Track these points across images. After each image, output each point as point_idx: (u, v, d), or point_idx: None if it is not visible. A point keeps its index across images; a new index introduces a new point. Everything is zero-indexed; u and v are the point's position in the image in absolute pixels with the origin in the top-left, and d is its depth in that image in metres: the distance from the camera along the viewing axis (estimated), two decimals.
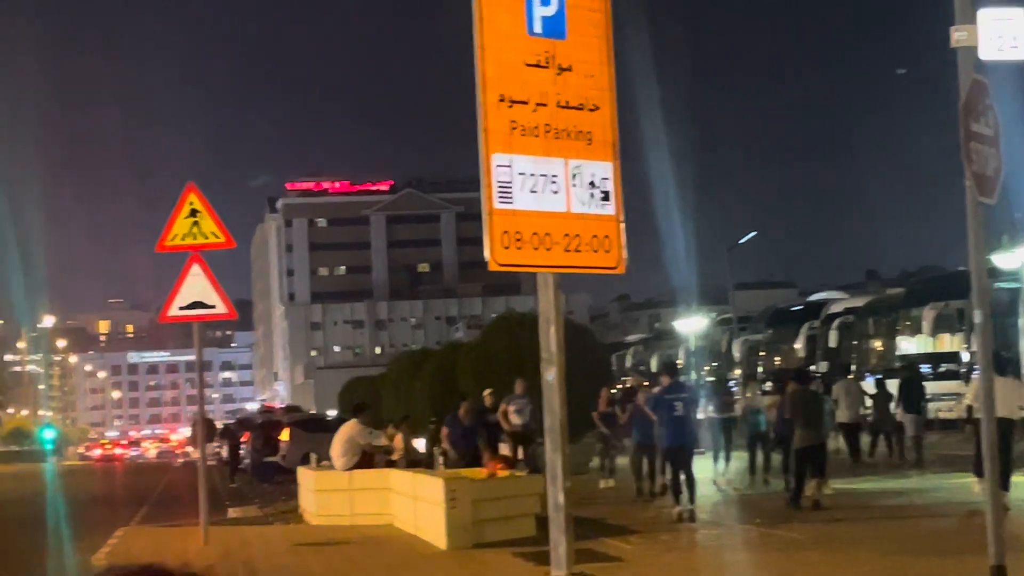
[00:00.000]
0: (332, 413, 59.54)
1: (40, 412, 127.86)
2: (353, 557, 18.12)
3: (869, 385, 35.15)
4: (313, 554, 18.50)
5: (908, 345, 43.20)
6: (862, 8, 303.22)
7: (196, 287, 19.42)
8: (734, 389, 34.42)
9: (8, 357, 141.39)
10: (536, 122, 13.43)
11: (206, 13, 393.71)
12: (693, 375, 60.41)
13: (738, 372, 56.11)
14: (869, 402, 32.54)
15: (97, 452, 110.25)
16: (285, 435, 42.17)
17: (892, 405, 31.72)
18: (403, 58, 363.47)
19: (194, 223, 19.20)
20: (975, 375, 21.98)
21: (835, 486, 23.30)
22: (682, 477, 20.33)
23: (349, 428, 23.43)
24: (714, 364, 62.53)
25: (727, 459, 28.76)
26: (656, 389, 21.90)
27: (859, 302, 51.38)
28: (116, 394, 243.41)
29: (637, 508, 23.11)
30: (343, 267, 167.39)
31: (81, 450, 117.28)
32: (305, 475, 25.48)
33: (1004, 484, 17.66)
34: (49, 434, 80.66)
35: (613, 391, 34.10)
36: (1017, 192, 24.26)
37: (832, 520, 19.72)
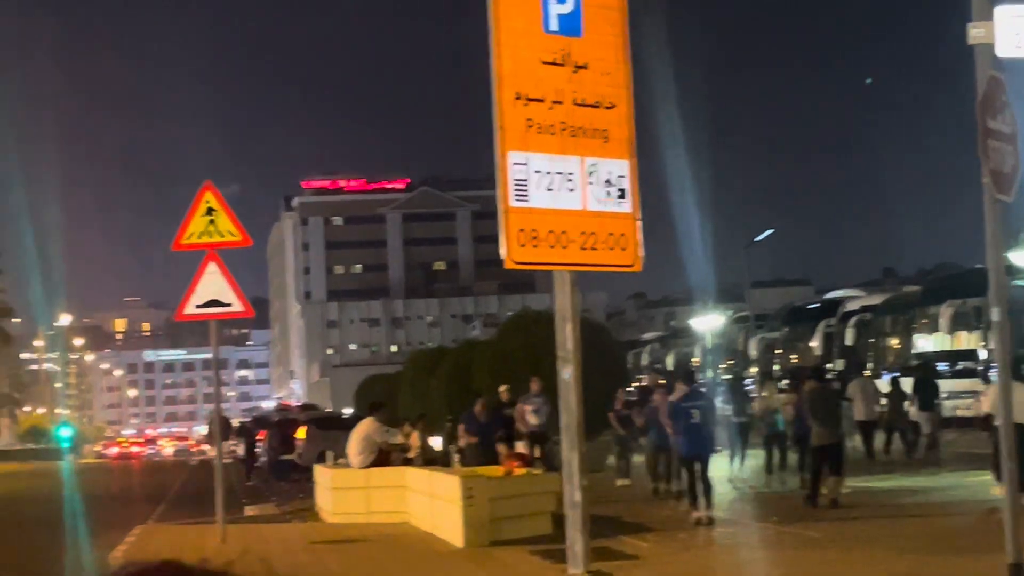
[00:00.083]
0: (348, 411, 59.60)
1: (57, 410, 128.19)
2: (370, 555, 18.13)
3: (884, 383, 35.08)
4: (330, 552, 18.52)
5: (925, 343, 43.07)
6: (880, 4, 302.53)
7: (213, 285, 19.44)
8: (751, 388, 34.35)
9: (25, 355, 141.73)
10: (552, 120, 13.43)
11: (225, 13, 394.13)
12: (709, 373, 60.32)
13: (755, 370, 55.99)
14: (884, 400, 32.47)
15: (114, 450, 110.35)
16: (301, 433, 42.19)
17: (906, 403, 31.67)
18: (419, 56, 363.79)
19: (210, 221, 19.22)
20: (992, 377, 21.92)
21: (851, 484, 23.25)
22: (699, 484, 20.19)
23: (366, 426, 23.45)
24: (730, 362, 62.40)
25: (743, 458, 28.73)
26: (672, 397, 21.82)
27: (876, 300, 51.24)
28: (132, 392, 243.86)
29: (654, 506, 23.07)
30: (359, 265, 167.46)
31: (98, 448, 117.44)
32: (321, 473, 25.50)
33: None
34: (66, 432, 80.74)
35: (629, 389, 34.09)
36: None
37: (849, 518, 19.67)
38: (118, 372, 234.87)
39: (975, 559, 14.57)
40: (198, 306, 19.53)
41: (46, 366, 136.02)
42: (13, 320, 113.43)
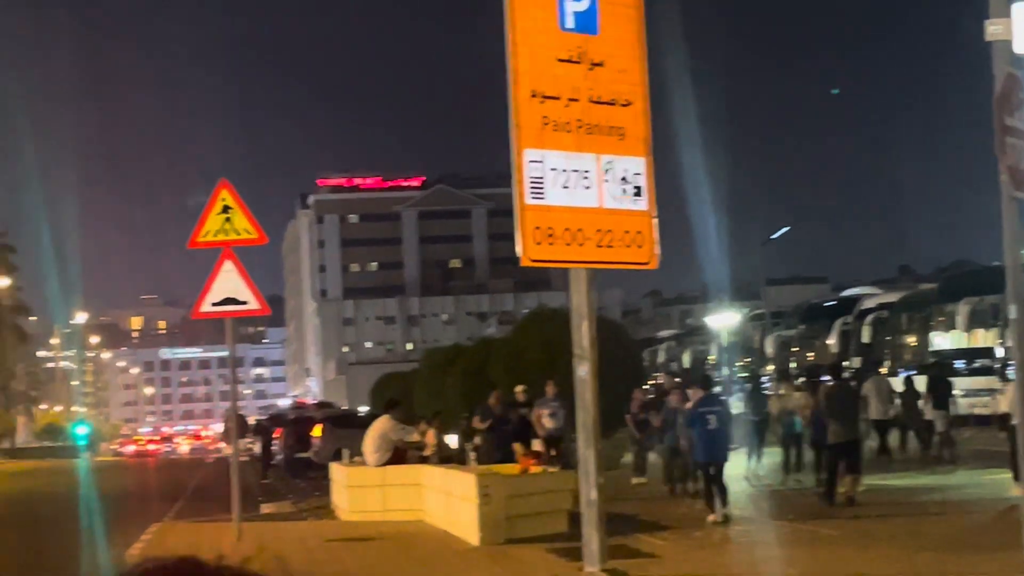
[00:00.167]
0: (364, 409, 59.60)
1: (73, 408, 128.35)
2: (386, 552, 18.14)
3: (898, 382, 35.00)
4: (346, 550, 18.53)
5: (942, 340, 42.99)
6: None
7: (228, 283, 19.45)
8: (766, 386, 34.25)
9: (41, 353, 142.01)
10: (568, 117, 13.42)
11: (243, 11, 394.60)
12: (725, 371, 60.27)
13: (771, 368, 55.95)
14: (898, 400, 32.38)
15: (130, 448, 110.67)
16: (317, 431, 42.23)
17: (920, 402, 31.56)
18: (436, 55, 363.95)
19: (226, 219, 19.23)
20: (1010, 375, 21.83)
21: (867, 482, 23.20)
22: (715, 487, 20.14)
23: (381, 424, 23.45)
24: (747, 360, 62.35)
25: (759, 456, 28.67)
26: (688, 404, 21.77)
27: (892, 297, 51.20)
28: (149, 390, 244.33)
29: (670, 504, 23.06)
30: (375, 263, 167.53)
31: (114, 446, 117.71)
32: (337, 471, 25.51)
33: None
34: (82, 430, 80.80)
35: (646, 387, 34.04)
36: None
37: (865, 516, 19.64)
38: (134, 370, 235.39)
39: (992, 557, 14.53)
40: (214, 304, 19.54)
41: (63, 364, 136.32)
42: (30, 318, 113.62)
